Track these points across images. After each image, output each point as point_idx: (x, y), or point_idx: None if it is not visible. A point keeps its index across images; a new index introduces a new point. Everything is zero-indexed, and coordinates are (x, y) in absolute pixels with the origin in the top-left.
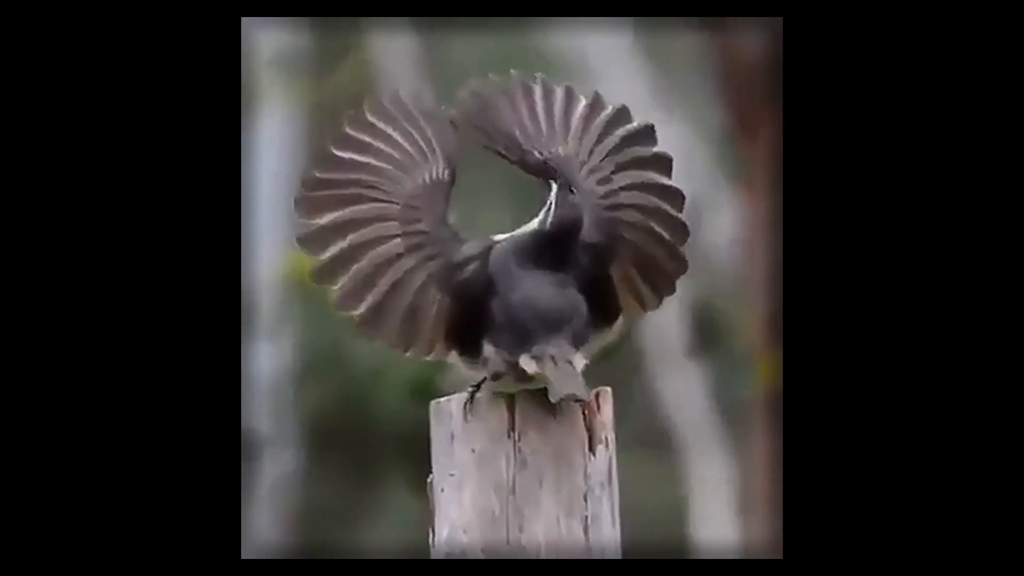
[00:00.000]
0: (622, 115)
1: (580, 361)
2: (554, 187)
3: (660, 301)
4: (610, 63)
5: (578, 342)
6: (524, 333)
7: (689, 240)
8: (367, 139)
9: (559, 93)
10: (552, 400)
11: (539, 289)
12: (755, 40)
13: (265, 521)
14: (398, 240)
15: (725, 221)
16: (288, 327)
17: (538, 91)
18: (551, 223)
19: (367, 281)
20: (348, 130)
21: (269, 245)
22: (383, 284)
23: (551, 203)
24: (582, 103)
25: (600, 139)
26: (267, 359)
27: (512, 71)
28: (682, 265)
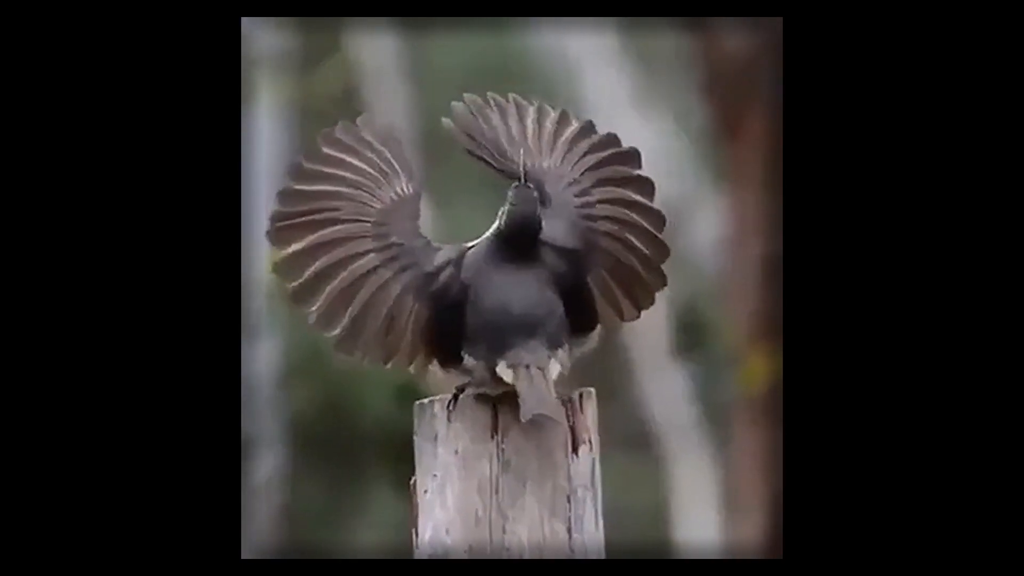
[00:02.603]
0: (610, 139)
1: (555, 368)
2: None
3: (639, 313)
4: (593, 63)
5: (553, 344)
6: (500, 338)
7: (668, 258)
8: (326, 169)
9: (552, 114)
10: (522, 420)
11: (513, 291)
12: (738, 40)
13: (250, 521)
14: (372, 255)
15: (708, 221)
16: (271, 328)
17: (531, 110)
18: (506, 221)
19: (343, 298)
20: (305, 163)
21: (251, 246)
22: (360, 299)
23: (507, 201)
24: (573, 125)
25: (583, 157)
26: (251, 360)
27: (511, 94)
28: (661, 279)
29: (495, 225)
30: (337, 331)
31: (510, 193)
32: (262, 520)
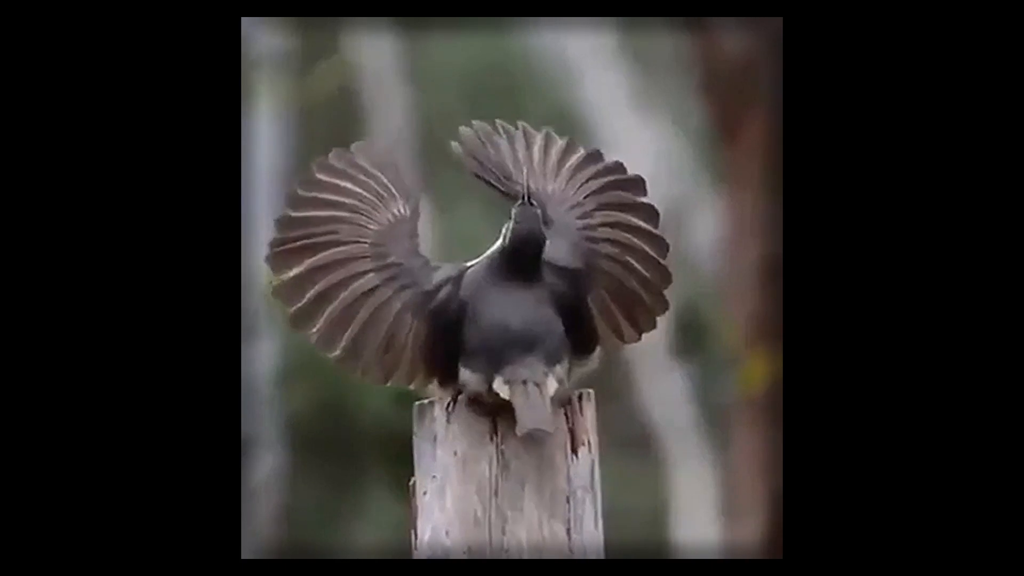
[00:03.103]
0: (615, 167)
1: (552, 384)
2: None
3: (639, 335)
4: (592, 64)
5: (552, 360)
6: (497, 354)
7: (671, 284)
8: (322, 195)
9: (560, 142)
10: (518, 434)
11: (512, 308)
12: (737, 40)
13: (249, 521)
14: (372, 275)
15: (707, 222)
16: (270, 329)
17: (539, 137)
18: (509, 238)
19: (342, 319)
20: (300, 191)
21: (250, 246)
22: (360, 319)
23: (510, 219)
24: (579, 152)
25: (587, 182)
26: (250, 360)
27: (520, 122)
28: (663, 304)
29: (498, 243)
30: (338, 352)
31: (514, 211)
32: (262, 520)
